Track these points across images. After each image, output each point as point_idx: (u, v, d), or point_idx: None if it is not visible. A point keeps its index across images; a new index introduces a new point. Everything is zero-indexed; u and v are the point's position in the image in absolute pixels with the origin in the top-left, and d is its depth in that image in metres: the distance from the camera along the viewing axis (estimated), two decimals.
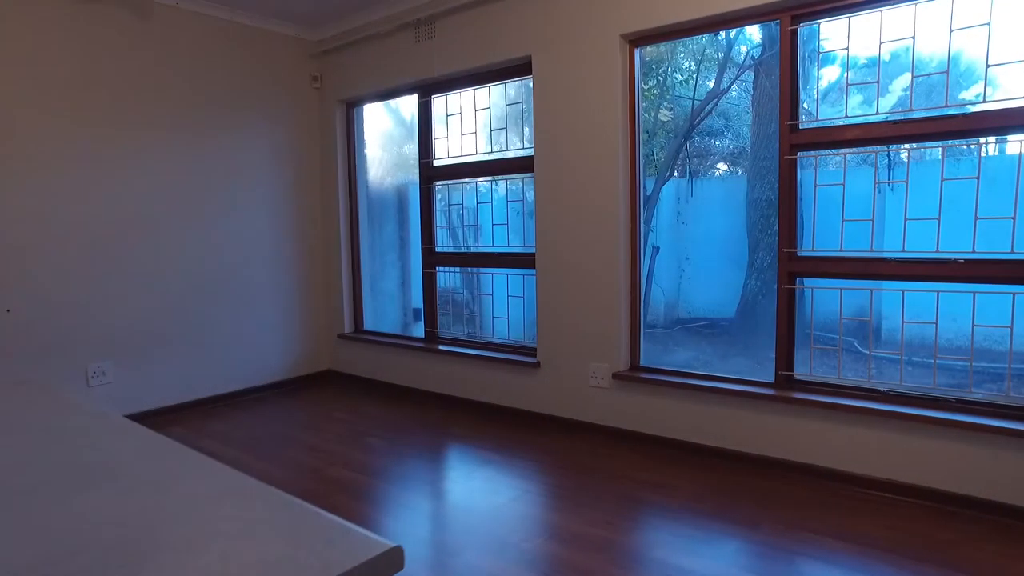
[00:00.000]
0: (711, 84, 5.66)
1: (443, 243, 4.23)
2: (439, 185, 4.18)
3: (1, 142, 3.22)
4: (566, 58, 3.34)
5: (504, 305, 3.97)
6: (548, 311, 3.57)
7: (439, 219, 4.23)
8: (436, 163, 4.15)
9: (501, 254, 3.89)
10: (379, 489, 2.80)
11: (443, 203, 4.21)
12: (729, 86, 5.60)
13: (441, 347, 4.10)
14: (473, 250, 4.03)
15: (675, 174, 5.90)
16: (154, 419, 3.81)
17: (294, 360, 4.61)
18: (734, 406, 2.97)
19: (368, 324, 4.77)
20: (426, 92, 4.12)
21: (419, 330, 4.35)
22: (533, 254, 3.62)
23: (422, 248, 4.30)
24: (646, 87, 5.65)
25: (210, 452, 3.28)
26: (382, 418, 3.83)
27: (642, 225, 3.37)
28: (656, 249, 5.86)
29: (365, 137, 4.66)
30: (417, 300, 4.47)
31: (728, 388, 2.96)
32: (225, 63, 4.08)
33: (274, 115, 4.37)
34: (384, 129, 4.98)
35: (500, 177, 3.89)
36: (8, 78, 3.23)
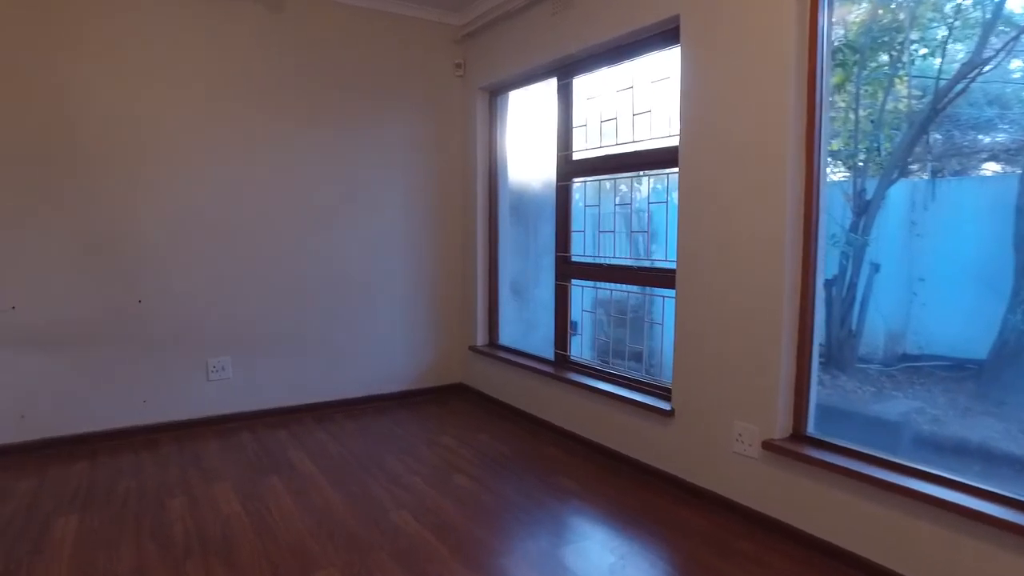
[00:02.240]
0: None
1: (581, 251, 3.58)
2: (577, 182, 3.55)
3: (135, 141, 3.32)
4: (723, 12, 2.50)
5: (640, 331, 3.22)
6: (687, 346, 2.75)
7: (576, 223, 3.59)
8: (575, 156, 3.52)
9: (638, 268, 3.14)
10: (432, 553, 2.28)
11: (582, 203, 3.56)
12: (995, 57, 4.12)
13: (569, 375, 3.47)
14: (609, 262, 3.32)
15: (909, 173, 4.53)
16: (266, 419, 3.75)
17: (423, 370, 4.31)
18: (953, 527, 1.91)
19: (516, 335, 4.28)
20: (565, 74, 3.51)
21: (572, 349, 3.70)
22: (674, 270, 2.83)
23: (556, 256, 3.70)
24: (873, 64, 4.40)
25: (291, 465, 3.06)
26: (488, 451, 3.32)
27: (821, 236, 2.41)
28: (875, 267, 4.54)
29: (512, 128, 4.18)
30: (575, 311, 3.81)
31: (946, 499, 1.90)
32: (362, 53, 3.89)
33: (413, 106, 4.10)
34: (540, 120, 4.46)
35: (643, 173, 3.14)
36: (142, 77, 3.32)
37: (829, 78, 2.36)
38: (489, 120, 4.19)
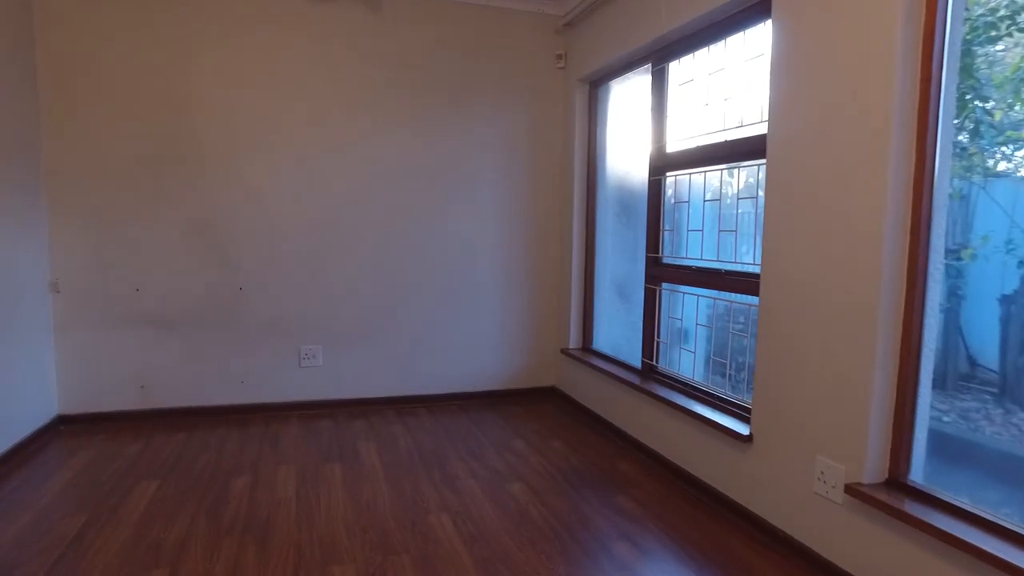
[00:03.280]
0: None
1: (672, 252, 3.27)
2: (671, 176, 3.24)
3: (239, 141, 3.57)
4: None
5: (728, 342, 2.85)
6: (768, 362, 2.38)
7: (670, 220, 3.28)
8: (669, 148, 3.22)
9: (725, 272, 2.78)
10: (455, 564, 2.16)
11: (672, 199, 3.25)
12: None
13: (652, 386, 3.18)
14: (697, 264, 2.98)
15: None
16: (350, 408, 3.86)
17: (514, 371, 4.21)
18: None
19: (620, 339, 4.01)
20: (660, 58, 3.21)
21: (674, 363, 3.34)
22: (758, 275, 2.46)
23: (646, 257, 3.42)
24: None
25: (356, 456, 3.11)
26: (558, 460, 3.14)
27: (935, 238, 1.94)
28: None
29: (615, 121, 3.93)
30: (688, 317, 3.42)
31: None
32: (461, 48, 3.87)
33: (512, 100, 4.01)
34: (642, 113, 4.16)
35: (733, 165, 2.77)
36: (247, 80, 3.55)
37: (955, 50, 1.89)
38: (588, 113, 3.98)
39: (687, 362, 3.17)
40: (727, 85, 2.74)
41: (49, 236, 3.35)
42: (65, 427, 3.43)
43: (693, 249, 3.04)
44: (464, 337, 4.06)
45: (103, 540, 2.26)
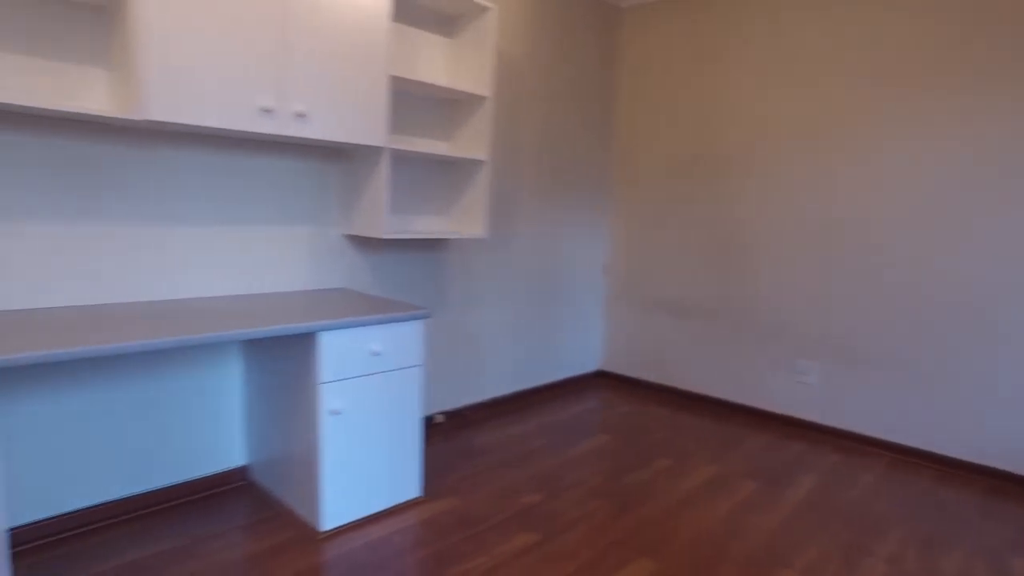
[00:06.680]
0: None
1: None
2: None
3: (772, 143, 3.60)
4: None
5: None
6: None
7: None
8: None
9: None
10: None
11: None
12: None
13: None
14: None
15: None
16: (834, 439, 3.43)
17: None
18: None
19: None
20: None
21: None
22: None
23: None
24: None
25: (780, 485, 2.93)
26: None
27: None
28: None
29: None
30: None
31: None
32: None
33: None
34: None
35: None
36: (776, 83, 3.54)
37: None
38: None
39: None
40: None
41: (606, 229, 4.32)
42: (600, 380, 4.40)
43: None
44: (1016, 392, 2.96)
45: (535, 463, 2.98)
